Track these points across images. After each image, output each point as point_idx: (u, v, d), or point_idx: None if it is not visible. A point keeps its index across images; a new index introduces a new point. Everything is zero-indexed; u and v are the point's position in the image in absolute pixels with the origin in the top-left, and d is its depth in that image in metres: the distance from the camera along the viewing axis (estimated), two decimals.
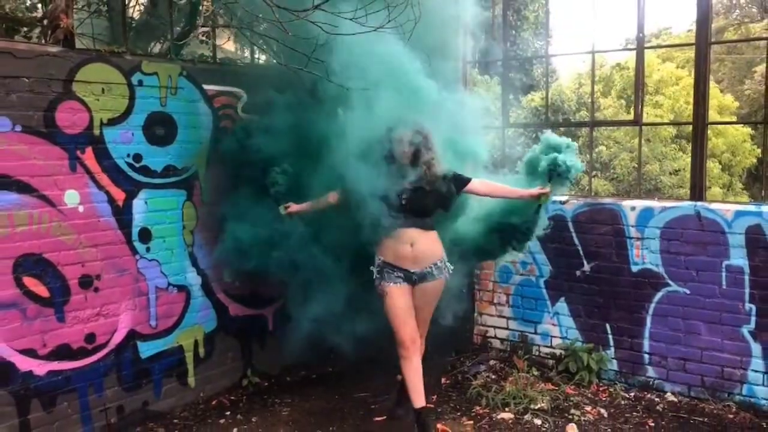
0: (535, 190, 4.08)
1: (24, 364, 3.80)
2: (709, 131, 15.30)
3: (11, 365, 3.74)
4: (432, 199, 3.97)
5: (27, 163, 3.76)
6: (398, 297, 3.98)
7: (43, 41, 4.37)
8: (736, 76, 20.91)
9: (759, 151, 15.04)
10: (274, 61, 4.44)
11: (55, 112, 3.87)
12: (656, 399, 4.76)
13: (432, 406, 4.11)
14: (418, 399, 3.97)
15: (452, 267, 4.08)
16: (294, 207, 4.21)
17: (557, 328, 5.29)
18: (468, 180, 4.07)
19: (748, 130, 15.28)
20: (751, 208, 4.54)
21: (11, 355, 3.74)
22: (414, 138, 3.89)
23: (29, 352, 3.82)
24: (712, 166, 13.86)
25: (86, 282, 4.06)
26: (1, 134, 3.65)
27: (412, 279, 3.97)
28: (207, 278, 4.74)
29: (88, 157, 4.04)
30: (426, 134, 3.92)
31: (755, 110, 17.16)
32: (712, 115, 14.14)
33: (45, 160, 3.84)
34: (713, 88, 15.67)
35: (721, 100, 15.04)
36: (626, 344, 4.99)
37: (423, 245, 3.93)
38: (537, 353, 5.35)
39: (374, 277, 4.03)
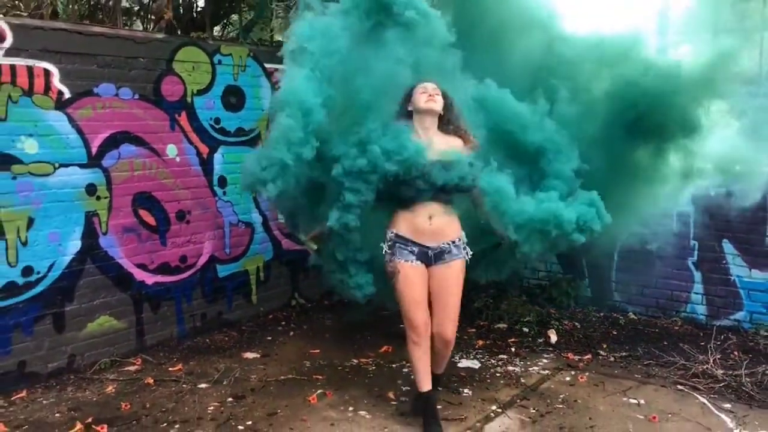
0: (503, 233, 3.77)
1: (139, 275, 5.05)
2: None
3: (131, 275, 4.99)
4: (456, 173, 3.56)
5: (142, 123, 4.97)
6: (411, 276, 3.60)
7: (142, 28, 5.54)
8: None
9: None
10: None
11: (160, 84, 5.07)
12: (620, 317, 6.02)
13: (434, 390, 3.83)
14: (424, 383, 3.71)
15: (471, 252, 3.77)
16: (317, 231, 3.76)
17: (543, 263, 6.52)
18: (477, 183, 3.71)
19: None
20: None
21: (131, 267, 4.98)
22: (443, 93, 3.64)
23: (142, 267, 5.06)
24: None
25: (181, 215, 5.29)
26: (126, 101, 4.86)
27: (428, 256, 3.62)
28: (266, 218, 5.97)
29: (183, 119, 5.25)
30: (452, 99, 3.68)
31: None
32: None
33: (154, 120, 5.05)
34: None
35: None
36: (598, 275, 6.25)
37: (443, 219, 3.61)
38: (527, 284, 6.60)
39: (384, 253, 3.70)
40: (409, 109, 3.68)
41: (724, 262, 5.62)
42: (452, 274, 3.63)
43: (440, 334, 3.64)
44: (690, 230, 5.76)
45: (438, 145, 3.63)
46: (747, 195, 5.26)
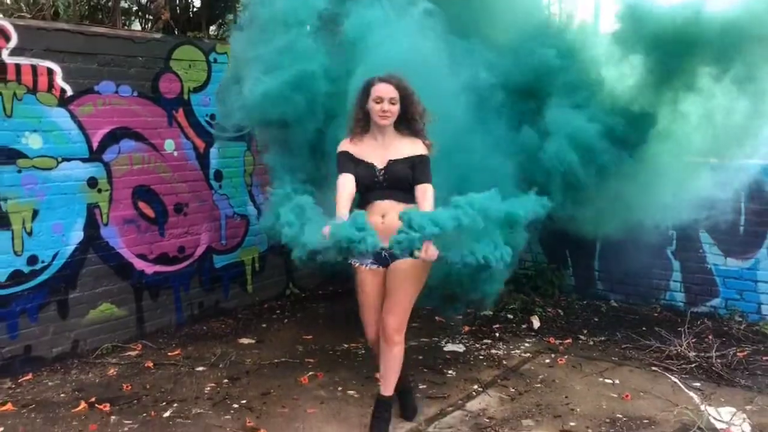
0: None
1: (139, 264, 5.27)
2: None
3: (131, 265, 5.22)
4: (412, 168, 3.45)
5: (141, 119, 5.19)
6: (363, 279, 3.57)
7: (140, 28, 5.76)
8: None
9: None
10: None
11: (158, 82, 5.29)
12: (602, 305, 6.25)
13: (391, 397, 3.72)
14: (386, 387, 3.65)
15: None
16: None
17: (529, 254, 6.75)
18: (428, 180, 3.47)
19: None
20: None
21: (131, 257, 5.21)
22: (402, 94, 3.41)
23: (142, 257, 5.29)
24: None
25: (179, 208, 5.52)
26: (125, 98, 5.08)
27: (382, 256, 3.47)
28: (261, 210, 6.18)
29: (180, 115, 5.47)
30: (411, 92, 3.43)
31: None
32: None
33: (152, 117, 5.27)
34: None
35: None
36: (581, 264, 6.48)
37: (396, 217, 3.24)
38: (513, 273, 6.81)
39: None
40: (367, 108, 3.47)
41: (701, 251, 5.85)
42: (400, 272, 3.45)
43: (381, 327, 3.55)
44: (668, 220, 5.98)
45: (391, 149, 3.50)
46: (723, 185, 5.49)
